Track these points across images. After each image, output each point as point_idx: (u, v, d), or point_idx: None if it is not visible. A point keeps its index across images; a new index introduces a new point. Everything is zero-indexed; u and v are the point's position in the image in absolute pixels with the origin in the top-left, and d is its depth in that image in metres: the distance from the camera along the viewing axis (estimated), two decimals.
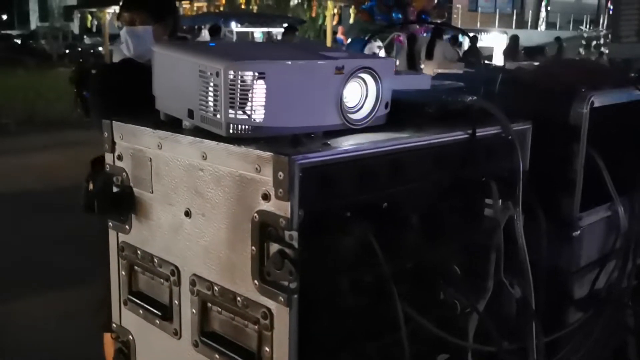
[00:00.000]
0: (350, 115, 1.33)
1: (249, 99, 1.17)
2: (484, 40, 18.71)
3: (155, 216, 1.39)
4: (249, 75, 1.16)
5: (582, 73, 1.70)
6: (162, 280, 1.41)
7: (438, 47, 11.07)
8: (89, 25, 28.42)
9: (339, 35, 20.42)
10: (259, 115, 1.19)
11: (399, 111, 1.44)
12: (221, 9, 21.29)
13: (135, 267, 1.49)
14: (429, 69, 9.46)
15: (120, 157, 1.46)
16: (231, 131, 1.19)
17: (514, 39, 14.50)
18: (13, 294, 4.25)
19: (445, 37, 13.04)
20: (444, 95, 1.54)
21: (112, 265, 1.55)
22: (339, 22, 22.11)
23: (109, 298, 1.57)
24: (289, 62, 1.22)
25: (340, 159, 1.16)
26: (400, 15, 14.46)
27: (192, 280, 1.31)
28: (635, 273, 1.85)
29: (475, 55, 11.58)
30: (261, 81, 1.17)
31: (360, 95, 1.35)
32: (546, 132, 1.58)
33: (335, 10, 21.94)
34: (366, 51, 10.87)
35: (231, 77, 1.16)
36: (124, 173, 1.45)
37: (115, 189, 1.49)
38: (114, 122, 1.46)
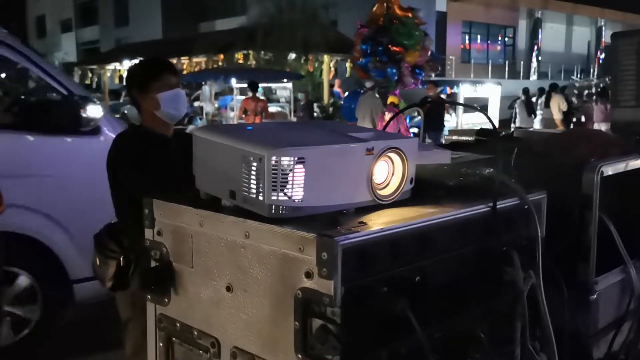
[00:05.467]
0: (379, 192, 1.42)
1: (290, 181, 1.26)
2: (478, 92, 19.03)
3: (196, 290, 1.46)
4: (290, 160, 1.25)
5: (592, 144, 1.80)
6: (201, 352, 1.47)
7: (554, 99, 13.70)
8: (88, 81, 28.86)
9: (336, 89, 20.80)
10: (298, 196, 1.28)
11: (423, 184, 1.54)
12: (219, 64, 21.74)
13: (173, 339, 1.55)
14: (546, 115, 13.33)
15: (160, 233, 1.54)
16: (272, 211, 1.27)
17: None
18: None
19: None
20: (463, 168, 1.64)
21: (149, 336, 1.61)
22: (335, 76, 22.54)
23: None
24: (325, 147, 1.32)
25: (377, 237, 1.23)
26: (394, 70, 14.77)
27: (232, 353, 1.37)
28: None
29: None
30: (300, 165, 1.27)
31: (388, 172, 1.45)
32: (560, 201, 1.67)
33: (332, 64, 22.41)
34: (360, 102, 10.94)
35: (273, 162, 1.25)
36: (164, 248, 1.53)
37: (153, 264, 1.56)
38: (154, 200, 1.54)
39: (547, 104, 13.75)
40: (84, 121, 3.81)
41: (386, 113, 10.54)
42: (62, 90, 3.95)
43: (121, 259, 2.47)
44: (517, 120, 14.77)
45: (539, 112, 14.30)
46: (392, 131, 9.52)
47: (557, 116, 13.63)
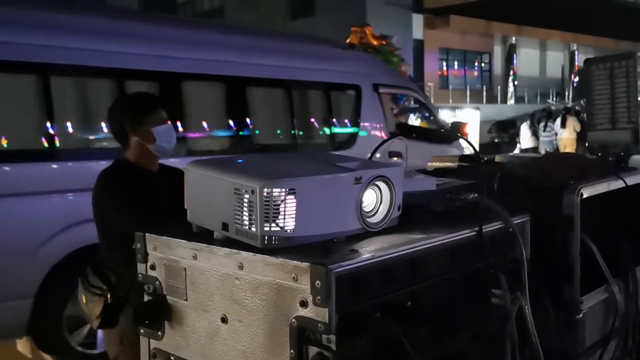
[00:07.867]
0: (368, 220, 1.46)
1: (281, 212, 1.30)
2: (457, 117, 19.29)
3: (190, 323, 1.47)
4: (281, 191, 1.29)
5: (571, 167, 1.86)
6: None
7: (569, 121, 15.20)
8: None
9: None
10: (290, 227, 1.31)
11: (410, 211, 1.57)
12: None
13: None
14: (564, 135, 14.98)
15: (153, 267, 1.55)
16: (265, 242, 1.30)
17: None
18: None
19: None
20: (448, 194, 1.68)
21: None
22: None
23: None
24: (315, 177, 1.36)
25: (369, 264, 1.27)
26: None
27: None
28: (635, 350, 1.95)
29: None
30: (292, 196, 1.30)
31: (376, 200, 1.49)
32: (543, 223, 1.72)
33: None
34: None
35: (265, 194, 1.28)
36: (157, 282, 1.54)
37: (146, 298, 1.57)
38: (147, 234, 1.56)
39: (563, 125, 15.17)
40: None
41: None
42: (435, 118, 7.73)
43: (108, 296, 2.44)
44: (521, 141, 16.25)
45: (542, 133, 15.63)
46: None
47: (572, 136, 14.95)
